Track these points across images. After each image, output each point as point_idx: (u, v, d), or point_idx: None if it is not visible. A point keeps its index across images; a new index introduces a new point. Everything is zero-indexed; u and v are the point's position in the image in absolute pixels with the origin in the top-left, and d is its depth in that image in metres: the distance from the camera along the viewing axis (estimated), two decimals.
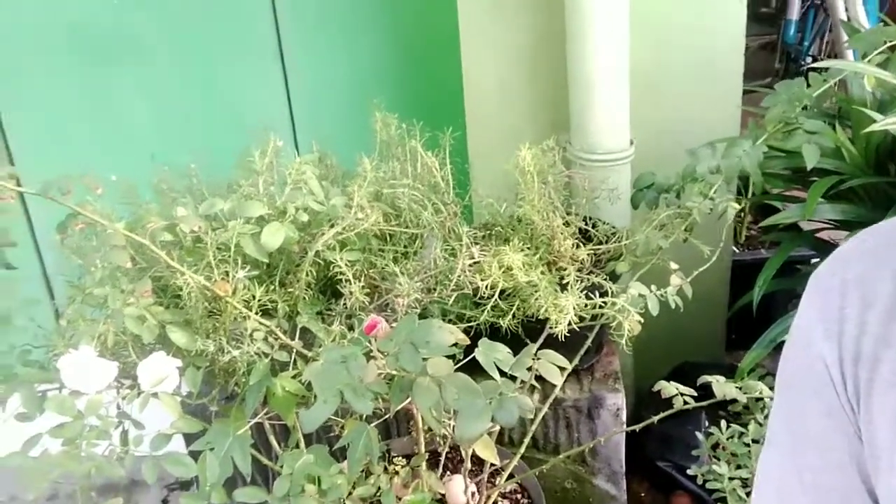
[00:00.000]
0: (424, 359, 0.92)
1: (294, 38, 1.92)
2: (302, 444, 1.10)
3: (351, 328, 1.14)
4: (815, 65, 1.34)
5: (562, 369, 1.02)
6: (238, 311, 1.07)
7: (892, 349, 0.58)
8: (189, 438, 1.12)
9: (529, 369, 1.03)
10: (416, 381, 0.92)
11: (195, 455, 0.98)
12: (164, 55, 1.89)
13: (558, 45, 1.66)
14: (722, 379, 1.10)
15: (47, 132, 1.87)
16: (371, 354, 0.93)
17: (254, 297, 1.09)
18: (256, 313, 1.07)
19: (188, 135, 1.97)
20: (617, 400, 1.41)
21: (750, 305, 1.59)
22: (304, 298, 1.18)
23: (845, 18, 2.16)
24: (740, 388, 1.10)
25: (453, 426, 1.18)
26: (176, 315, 1.07)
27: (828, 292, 0.64)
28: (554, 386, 1.27)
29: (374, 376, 0.91)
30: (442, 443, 1.28)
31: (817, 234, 1.55)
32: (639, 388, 1.87)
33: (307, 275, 1.17)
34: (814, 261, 1.79)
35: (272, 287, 1.18)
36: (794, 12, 4.26)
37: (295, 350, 1.10)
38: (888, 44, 1.37)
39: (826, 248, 1.56)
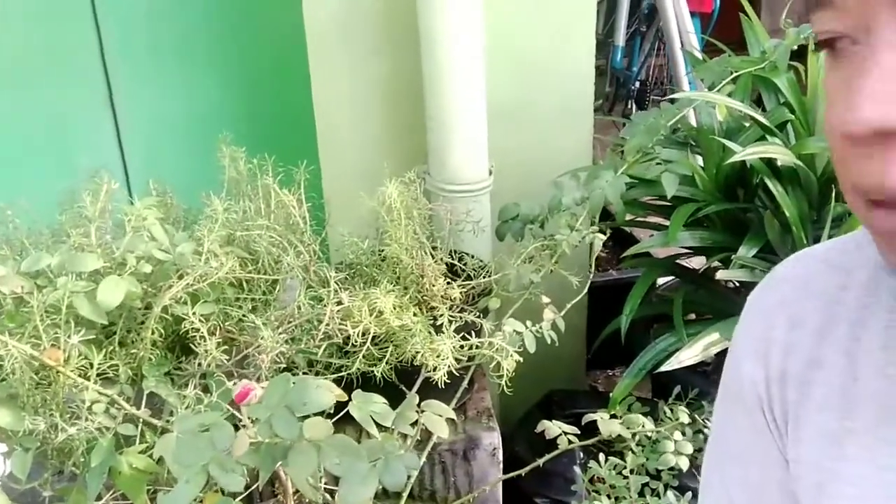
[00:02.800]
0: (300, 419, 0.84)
1: (123, 75, 1.77)
2: None
3: (206, 390, 1.03)
4: (673, 96, 1.37)
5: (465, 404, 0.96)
6: (73, 382, 0.93)
7: (822, 371, 0.57)
8: None
9: (415, 423, 0.96)
10: (293, 448, 0.83)
11: None
12: None
13: (413, 78, 1.62)
14: (606, 415, 1.08)
15: None
16: (236, 421, 0.83)
17: (91, 364, 0.95)
18: (95, 382, 0.94)
19: (5, 179, 1.76)
20: (493, 439, 1.36)
21: (603, 328, 1.62)
22: (150, 359, 1.05)
23: (680, 46, 2.27)
24: (622, 423, 1.08)
25: (328, 491, 1.09)
26: None
27: (757, 314, 0.64)
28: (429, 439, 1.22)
29: (244, 448, 0.81)
30: None
31: (677, 261, 1.58)
32: (506, 421, 1.84)
33: (153, 332, 1.04)
34: (664, 283, 1.85)
35: (111, 349, 1.04)
36: (620, 38, 4.48)
37: (142, 420, 0.98)
38: (734, 74, 1.42)
39: (685, 274, 1.60)
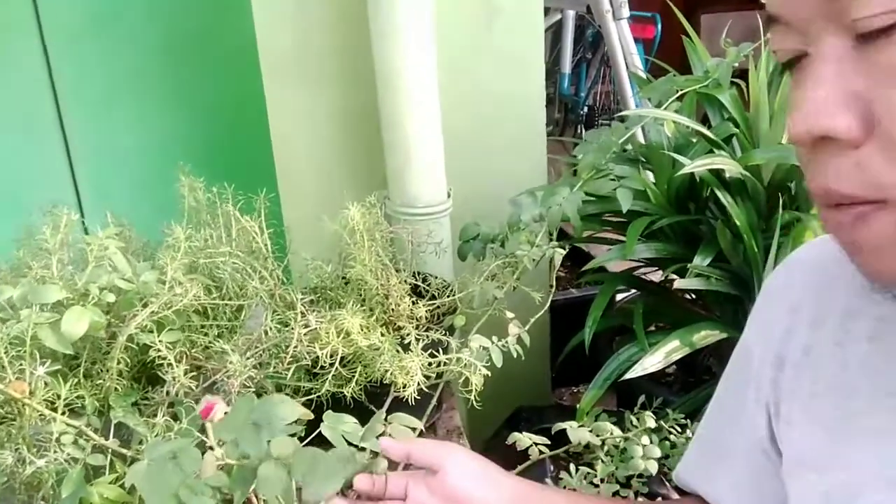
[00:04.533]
0: (267, 441, 0.84)
1: (76, 111, 1.76)
2: None
3: (175, 418, 1.02)
4: (623, 113, 1.41)
5: (414, 430, 0.97)
6: (39, 414, 0.91)
7: (815, 358, 0.60)
8: None
9: (381, 436, 0.96)
10: (261, 467, 0.83)
11: None
12: None
13: (369, 107, 1.64)
14: (575, 424, 1.10)
15: None
16: (206, 444, 0.83)
17: (58, 396, 0.94)
18: (63, 414, 0.93)
19: None
20: None
21: (565, 346, 1.65)
22: (116, 389, 1.04)
23: (625, 69, 2.34)
24: (591, 431, 1.10)
25: None
26: None
27: (765, 296, 0.67)
28: None
29: (212, 469, 0.81)
30: None
31: (634, 273, 1.62)
32: (476, 440, 1.85)
33: (118, 362, 1.03)
34: (623, 297, 1.89)
35: (77, 381, 1.03)
36: (567, 66, 4.60)
37: (111, 451, 0.96)
38: (679, 92, 1.47)
39: (643, 286, 1.64)
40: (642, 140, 1.64)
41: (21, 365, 0.93)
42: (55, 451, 0.91)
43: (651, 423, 1.18)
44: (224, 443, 0.83)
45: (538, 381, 2.07)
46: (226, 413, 0.86)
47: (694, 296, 1.57)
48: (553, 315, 1.99)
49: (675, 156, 1.36)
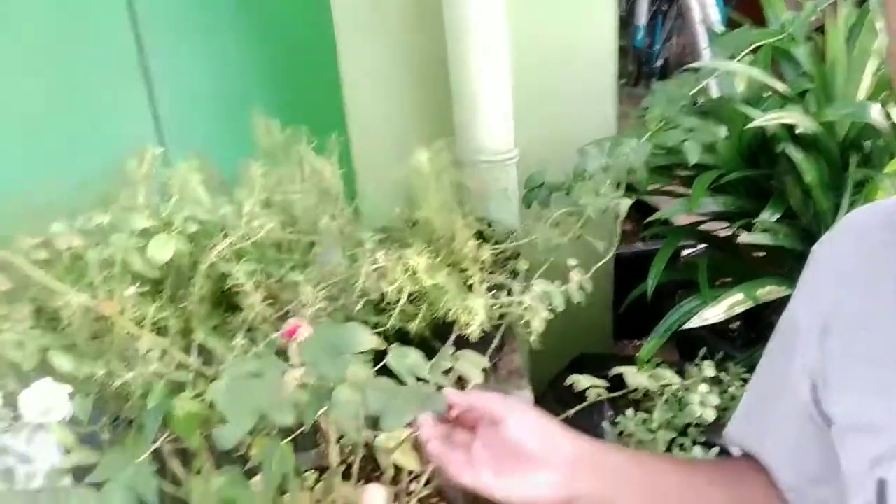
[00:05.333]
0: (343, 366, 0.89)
1: (157, 49, 1.82)
2: (210, 467, 1.03)
3: (253, 342, 1.08)
4: (694, 65, 1.40)
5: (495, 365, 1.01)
6: (128, 331, 0.98)
7: (868, 323, 0.61)
8: (78, 472, 1.02)
9: (448, 372, 1.01)
10: (336, 389, 0.88)
11: None
12: (14, 68, 1.74)
13: (439, 53, 1.66)
14: (634, 369, 1.12)
15: None
16: (289, 364, 0.88)
17: (144, 316, 1.01)
18: (151, 331, 0.99)
19: (48, 154, 1.82)
20: (524, 397, 1.41)
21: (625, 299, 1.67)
22: (199, 314, 1.11)
23: (700, 21, 2.29)
24: (650, 377, 1.12)
25: (373, 435, 1.15)
26: (58, 339, 0.98)
27: (813, 262, 0.68)
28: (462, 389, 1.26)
29: (292, 386, 0.86)
30: (353, 453, 1.24)
31: (699, 227, 1.62)
32: (535, 385, 1.89)
33: (200, 288, 1.10)
34: (689, 252, 1.88)
35: (161, 304, 1.09)
36: (642, 18, 4.50)
37: (193, 368, 1.03)
38: (753, 45, 1.45)
39: (708, 240, 1.63)
40: (714, 93, 1.62)
41: (109, 286, 0.99)
42: (142, 367, 0.97)
43: (710, 371, 1.19)
44: (303, 364, 0.88)
45: (600, 331, 2.09)
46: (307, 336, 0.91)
47: (760, 252, 1.56)
48: (618, 268, 2.00)
49: (746, 108, 1.34)
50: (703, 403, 1.17)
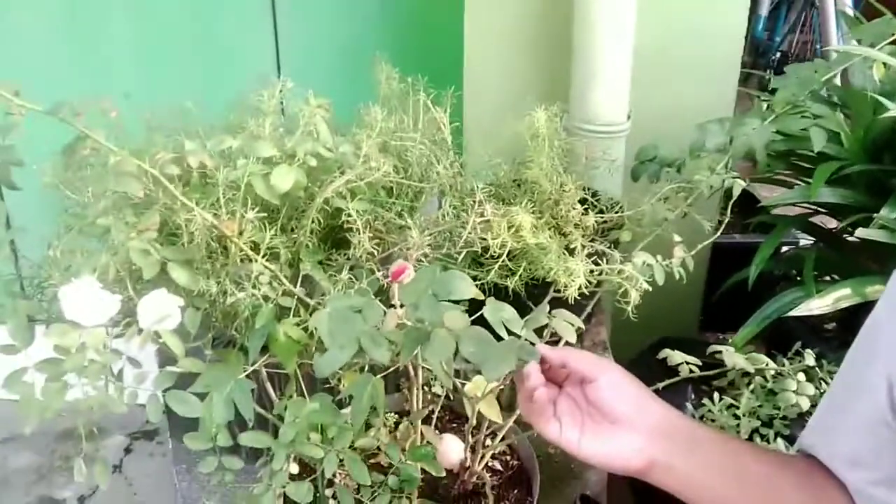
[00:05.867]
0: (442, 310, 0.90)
1: None
2: (304, 392, 1.07)
3: (355, 278, 1.11)
4: (829, 48, 1.35)
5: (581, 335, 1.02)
6: (243, 254, 1.03)
7: None
8: (180, 382, 1.08)
9: (543, 329, 1.02)
10: (434, 332, 0.90)
11: None
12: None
13: (562, 16, 1.65)
14: (731, 348, 1.11)
15: (24, 63, 1.79)
16: (390, 303, 0.91)
17: (260, 240, 1.05)
18: (263, 257, 1.03)
19: (167, 78, 1.90)
20: None
21: (719, 289, 1.63)
22: (308, 246, 1.15)
23: (833, 5, 2.19)
24: (747, 359, 1.11)
25: (458, 383, 1.17)
26: (177, 253, 1.03)
27: None
28: None
29: (394, 324, 0.89)
30: (434, 401, 1.27)
31: (810, 219, 1.57)
32: (616, 359, 1.88)
33: (312, 221, 1.13)
34: (801, 243, 1.83)
35: (274, 233, 1.14)
36: (764, 8, 4.33)
37: (297, 297, 1.07)
38: (894, 36, 1.38)
39: (816, 232, 1.58)
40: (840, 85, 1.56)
41: (232, 208, 1.04)
42: (254, 288, 1.02)
43: (811, 360, 1.17)
44: (404, 305, 0.91)
45: (686, 317, 2.06)
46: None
47: (870, 249, 1.50)
48: (712, 257, 1.96)
49: (882, 99, 1.29)
50: (799, 391, 1.14)
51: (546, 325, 1.03)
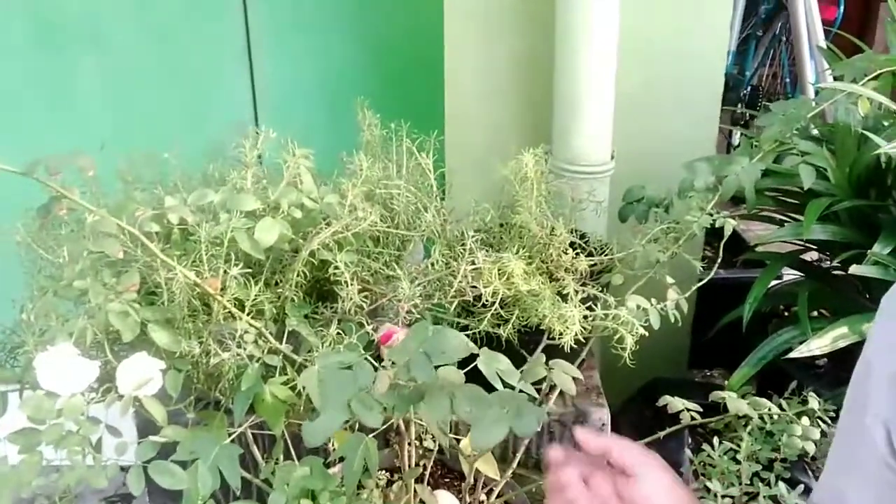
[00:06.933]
0: (436, 367, 0.87)
1: (264, 37, 1.85)
2: (292, 456, 1.03)
3: (343, 332, 1.08)
4: (820, 86, 1.35)
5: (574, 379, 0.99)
6: (227, 311, 0.99)
7: None
8: (162, 449, 1.03)
9: (541, 381, 0.99)
10: (428, 391, 0.87)
11: None
12: (126, 44, 1.79)
13: (543, 58, 1.64)
14: (733, 394, 1.08)
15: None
16: (381, 363, 0.87)
17: (244, 297, 1.01)
18: (248, 314, 1.00)
19: (144, 127, 1.86)
20: (602, 415, 1.38)
21: (707, 326, 1.60)
22: (293, 300, 1.11)
23: (807, 42, 2.22)
24: (749, 404, 1.08)
25: (454, 438, 1.13)
26: (157, 313, 0.99)
27: (883, 313, 0.65)
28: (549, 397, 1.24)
29: (386, 386, 0.85)
30: (426, 457, 1.22)
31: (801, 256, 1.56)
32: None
33: (297, 275, 1.10)
34: (786, 278, 1.81)
35: (259, 288, 1.10)
36: (732, 43, 4.39)
37: (283, 355, 1.03)
38: (877, 72, 1.39)
39: (807, 269, 1.57)
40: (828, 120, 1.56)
41: (214, 265, 1.00)
42: (237, 348, 0.98)
43: (815, 404, 1.14)
44: (395, 365, 0.87)
45: (676, 356, 2.04)
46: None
47: (861, 285, 1.50)
48: (697, 294, 1.94)
49: (870, 135, 1.29)
50: (804, 436, 1.12)
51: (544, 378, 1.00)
